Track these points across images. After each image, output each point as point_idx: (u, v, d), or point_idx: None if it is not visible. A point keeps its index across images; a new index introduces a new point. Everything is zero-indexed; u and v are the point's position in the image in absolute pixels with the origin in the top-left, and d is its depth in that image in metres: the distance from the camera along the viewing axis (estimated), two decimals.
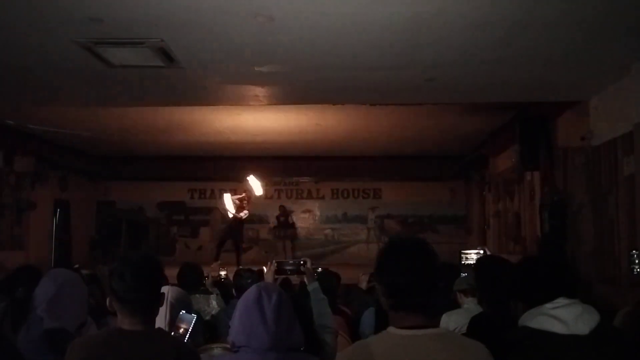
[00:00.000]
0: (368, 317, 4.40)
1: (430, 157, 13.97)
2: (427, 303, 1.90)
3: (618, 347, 2.21)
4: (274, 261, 3.24)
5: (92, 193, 14.91)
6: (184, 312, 2.76)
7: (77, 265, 6.99)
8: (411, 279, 1.87)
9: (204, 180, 15.09)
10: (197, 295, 4.73)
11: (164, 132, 11.11)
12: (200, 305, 4.66)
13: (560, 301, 2.24)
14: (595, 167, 6.88)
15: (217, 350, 2.86)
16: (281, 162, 14.19)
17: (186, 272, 4.91)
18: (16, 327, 2.78)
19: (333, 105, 8.25)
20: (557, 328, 2.17)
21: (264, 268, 3.31)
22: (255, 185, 12.60)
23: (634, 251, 5.72)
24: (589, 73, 6.09)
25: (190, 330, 2.65)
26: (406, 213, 15.15)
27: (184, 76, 6.13)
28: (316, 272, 3.68)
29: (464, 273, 4.25)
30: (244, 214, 12.19)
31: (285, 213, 14.67)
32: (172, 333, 2.60)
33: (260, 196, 13.10)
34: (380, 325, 2.63)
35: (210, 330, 4.18)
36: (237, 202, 12.26)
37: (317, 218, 15.52)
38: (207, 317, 4.53)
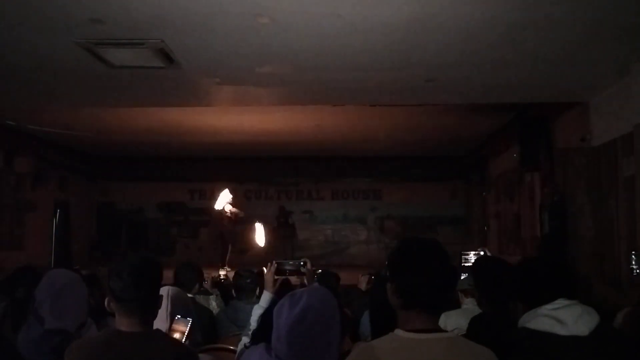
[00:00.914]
0: (368, 318, 4.40)
1: (430, 158, 13.97)
2: (439, 303, 1.90)
3: (618, 347, 2.21)
4: (273, 262, 3.23)
5: (92, 194, 14.89)
6: (179, 316, 2.76)
7: (77, 267, 6.99)
8: (424, 278, 1.86)
9: (204, 181, 15.07)
10: (197, 296, 4.73)
11: (164, 133, 11.12)
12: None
13: (560, 302, 2.24)
14: (595, 168, 6.88)
15: (245, 339, 2.82)
16: (281, 162, 14.18)
17: (183, 271, 4.85)
18: (16, 327, 2.78)
19: (333, 105, 8.25)
20: (557, 329, 2.17)
21: (264, 269, 3.30)
22: (259, 234, 12.58)
23: (633, 252, 5.73)
24: (589, 74, 6.10)
25: (186, 333, 2.65)
26: (406, 214, 15.13)
27: (184, 77, 6.13)
28: (316, 273, 3.67)
29: (464, 274, 4.24)
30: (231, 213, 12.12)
31: (285, 214, 14.66)
32: None
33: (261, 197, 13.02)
34: (376, 326, 2.63)
35: (210, 330, 4.18)
36: (227, 212, 12.17)
37: (317, 219, 15.51)
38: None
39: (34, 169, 11.41)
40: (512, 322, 2.43)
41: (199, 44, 5.17)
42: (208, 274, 6.25)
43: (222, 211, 11.92)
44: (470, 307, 3.67)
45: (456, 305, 3.89)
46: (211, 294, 5.28)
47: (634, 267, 5.74)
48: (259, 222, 12.19)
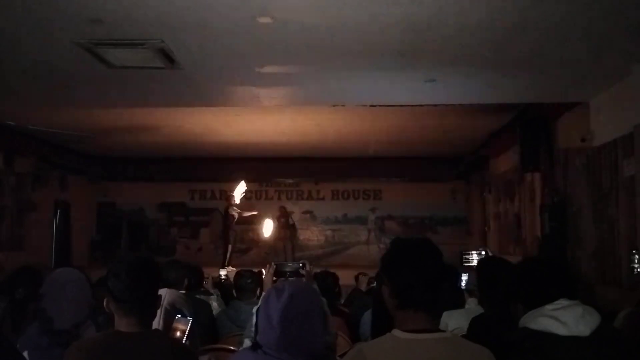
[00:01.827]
0: (368, 318, 4.40)
1: (430, 158, 13.96)
2: (434, 301, 1.91)
3: (619, 348, 2.21)
4: (272, 263, 3.23)
5: (93, 194, 14.89)
6: (179, 316, 2.76)
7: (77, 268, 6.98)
8: (418, 276, 1.88)
9: (204, 181, 15.08)
10: (197, 296, 4.73)
11: (164, 133, 11.11)
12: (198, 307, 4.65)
13: (561, 302, 2.23)
14: (596, 169, 6.88)
15: (247, 341, 2.82)
16: (281, 162, 14.18)
17: (167, 271, 4.64)
18: (16, 327, 2.78)
19: (333, 106, 8.25)
20: (558, 329, 2.17)
21: (263, 270, 3.30)
22: (267, 227, 12.81)
23: (634, 252, 5.73)
24: (589, 74, 6.10)
25: (187, 332, 2.64)
26: (406, 214, 15.14)
27: (184, 77, 6.13)
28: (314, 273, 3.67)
29: (465, 274, 4.25)
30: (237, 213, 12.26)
31: (285, 214, 14.65)
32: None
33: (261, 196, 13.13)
34: (377, 327, 2.63)
35: (211, 331, 4.18)
36: (236, 210, 12.29)
37: (317, 219, 15.51)
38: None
39: (34, 169, 11.40)
40: (513, 322, 2.42)
41: (200, 44, 5.17)
42: (208, 274, 6.24)
43: (236, 211, 12.03)
44: (472, 307, 3.67)
45: (461, 305, 3.90)
46: (212, 294, 5.29)
47: (635, 267, 5.74)
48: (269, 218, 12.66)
